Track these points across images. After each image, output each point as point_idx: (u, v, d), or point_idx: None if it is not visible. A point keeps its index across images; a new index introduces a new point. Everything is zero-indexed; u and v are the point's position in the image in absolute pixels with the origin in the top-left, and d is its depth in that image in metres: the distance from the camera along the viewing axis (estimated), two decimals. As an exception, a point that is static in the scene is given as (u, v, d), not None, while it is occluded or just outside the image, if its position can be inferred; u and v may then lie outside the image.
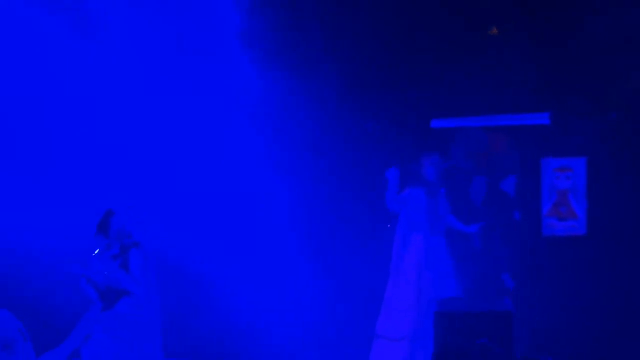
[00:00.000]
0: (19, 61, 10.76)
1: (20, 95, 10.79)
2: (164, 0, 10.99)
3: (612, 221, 11.04)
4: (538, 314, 10.89)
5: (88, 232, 9.21)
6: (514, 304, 10.06)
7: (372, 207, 11.28)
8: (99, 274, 8.94)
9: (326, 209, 11.44)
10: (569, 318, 10.90)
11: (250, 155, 11.24)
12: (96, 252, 9.06)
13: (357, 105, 11.45)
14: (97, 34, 10.94)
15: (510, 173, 11.29)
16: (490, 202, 11.03)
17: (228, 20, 11.08)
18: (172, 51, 11.01)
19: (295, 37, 11.25)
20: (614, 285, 10.96)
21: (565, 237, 11.22)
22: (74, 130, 10.89)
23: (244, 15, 11.06)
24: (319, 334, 11.10)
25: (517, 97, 11.25)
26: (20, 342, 7.85)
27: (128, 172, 10.80)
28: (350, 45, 11.29)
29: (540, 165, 11.26)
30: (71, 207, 10.58)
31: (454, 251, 10.44)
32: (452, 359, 8.04)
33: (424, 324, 9.99)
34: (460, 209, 10.43)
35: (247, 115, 11.19)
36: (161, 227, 10.50)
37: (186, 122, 11.08)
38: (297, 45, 11.26)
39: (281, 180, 11.25)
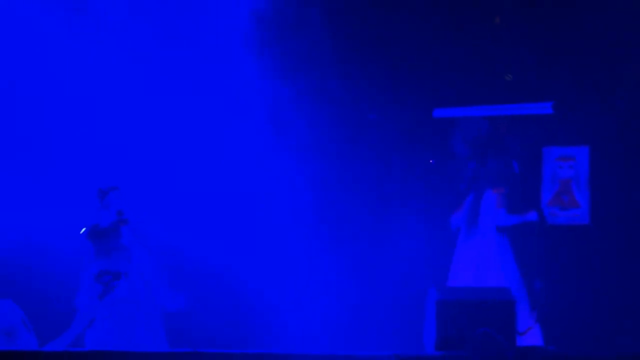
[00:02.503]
0: (21, 60, 10.80)
1: (22, 96, 10.83)
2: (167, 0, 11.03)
3: (615, 210, 11.03)
4: (540, 304, 10.88)
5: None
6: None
7: (376, 201, 11.31)
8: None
9: (335, 203, 11.44)
10: (571, 307, 10.89)
11: (258, 151, 11.25)
12: (82, 230, 9.13)
13: (358, 95, 11.45)
14: (98, 34, 10.97)
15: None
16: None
17: (232, 20, 11.09)
18: (183, 52, 11.03)
19: (296, 24, 11.24)
20: (617, 274, 10.95)
21: (567, 226, 11.22)
22: (80, 130, 10.93)
23: (246, 15, 11.08)
24: (335, 327, 11.11)
25: (519, 86, 11.24)
26: (22, 330, 7.91)
27: (145, 170, 10.84)
28: (351, 34, 11.28)
29: (542, 154, 11.26)
30: (75, 204, 10.59)
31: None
32: (454, 347, 8.06)
33: None
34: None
35: (254, 112, 11.20)
36: (180, 225, 10.62)
37: (201, 122, 11.11)
38: (298, 32, 11.25)
39: (288, 176, 11.26)
